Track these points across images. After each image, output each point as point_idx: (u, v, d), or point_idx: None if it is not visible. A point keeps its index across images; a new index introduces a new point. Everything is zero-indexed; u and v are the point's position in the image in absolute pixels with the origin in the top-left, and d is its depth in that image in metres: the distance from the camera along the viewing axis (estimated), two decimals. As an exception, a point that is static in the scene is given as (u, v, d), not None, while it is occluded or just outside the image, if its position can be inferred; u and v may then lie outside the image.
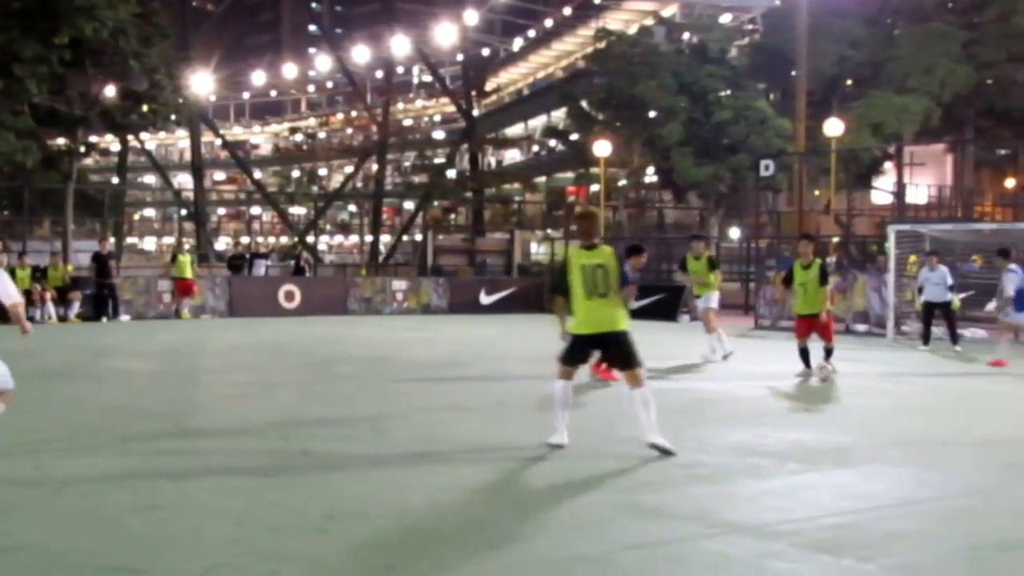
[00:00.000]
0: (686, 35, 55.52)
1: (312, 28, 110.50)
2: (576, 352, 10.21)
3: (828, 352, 15.93)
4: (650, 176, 57.82)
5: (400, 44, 66.54)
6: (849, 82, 51.36)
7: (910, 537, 7.09)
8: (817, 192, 50.77)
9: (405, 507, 7.83)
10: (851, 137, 43.64)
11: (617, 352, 10.18)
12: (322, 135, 73.88)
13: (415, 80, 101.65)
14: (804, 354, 16.08)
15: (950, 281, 21.72)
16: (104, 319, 29.14)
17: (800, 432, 11.23)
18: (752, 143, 47.36)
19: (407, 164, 67.02)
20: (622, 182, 57.90)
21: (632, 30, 59.50)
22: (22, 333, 9.94)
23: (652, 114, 49.89)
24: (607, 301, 10.04)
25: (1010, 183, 56.67)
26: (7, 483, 8.56)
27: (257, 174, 77.22)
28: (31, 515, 7.59)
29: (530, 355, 19.66)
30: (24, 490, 8.34)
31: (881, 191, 54.05)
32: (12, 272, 27.50)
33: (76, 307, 29.43)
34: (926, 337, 22.27)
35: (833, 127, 39.22)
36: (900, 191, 47.61)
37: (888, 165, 52.66)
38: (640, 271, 16.64)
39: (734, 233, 55.76)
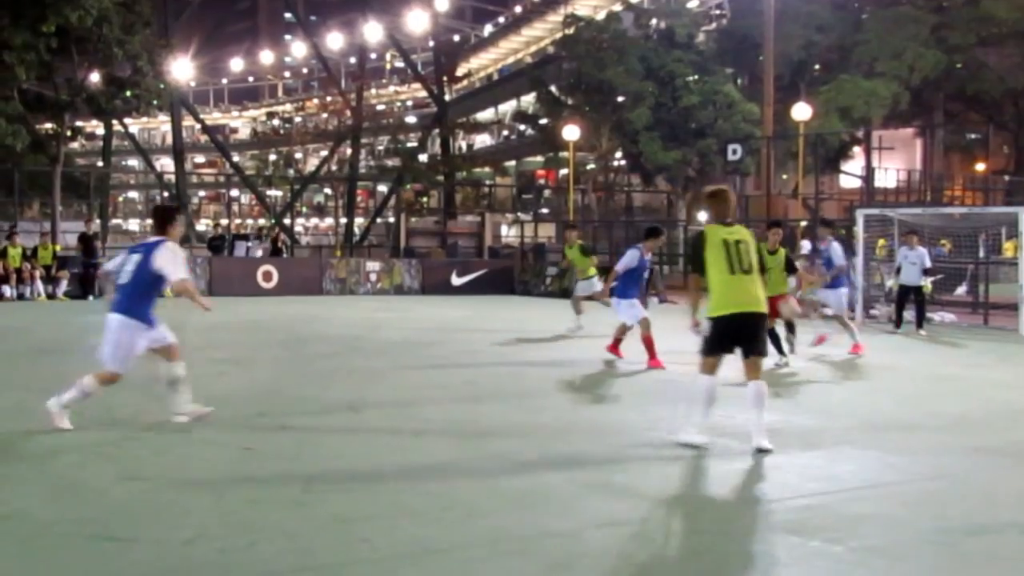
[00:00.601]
0: (654, 21, 55.47)
1: (288, 15, 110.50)
2: (719, 338, 9.24)
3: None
4: (618, 160, 57.89)
5: (373, 31, 66.45)
6: (817, 66, 51.53)
7: (877, 520, 7.12)
8: (785, 176, 50.95)
9: (379, 482, 7.93)
10: (819, 121, 43.73)
11: (754, 335, 9.29)
12: (298, 120, 73.88)
13: (388, 66, 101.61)
14: (772, 336, 16.04)
15: (928, 263, 21.63)
16: (90, 297, 29.72)
17: (768, 414, 11.18)
18: (720, 127, 47.43)
19: (380, 148, 66.92)
20: (590, 166, 57.97)
21: (600, 16, 59.42)
22: (204, 310, 10.07)
23: (620, 99, 49.90)
24: (752, 279, 9.28)
25: (980, 167, 57.01)
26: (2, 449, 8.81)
27: (236, 158, 77.39)
28: (20, 485, 7.72)
29: (500, 335, 19.72)
30: (13, 461, 8.51)
31: (849, 175, 54.25)
32: (3, 251, 28.21)
33: (63, 285, 30.30)
34: (898, 320, 22.26)
35: (801, 111, 39.32)
36: (869, 175, 47.79)
37: (857, 149, 52.84)
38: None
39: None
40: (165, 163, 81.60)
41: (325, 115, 66.74)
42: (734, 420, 10.59)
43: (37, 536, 6.46)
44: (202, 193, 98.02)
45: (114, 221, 71.33)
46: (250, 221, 76.83)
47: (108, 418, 10.17)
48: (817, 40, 48.97)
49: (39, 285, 29.71)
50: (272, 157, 72.87)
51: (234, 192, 76.61)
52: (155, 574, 5.82)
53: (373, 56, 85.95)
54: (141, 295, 9.58)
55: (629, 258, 15.47)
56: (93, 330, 11.36)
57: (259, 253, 37.29)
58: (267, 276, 33.31)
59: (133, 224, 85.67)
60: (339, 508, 7.21)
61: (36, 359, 15.83)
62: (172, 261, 9.49)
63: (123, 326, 9.53)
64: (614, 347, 15.89)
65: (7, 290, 29.12)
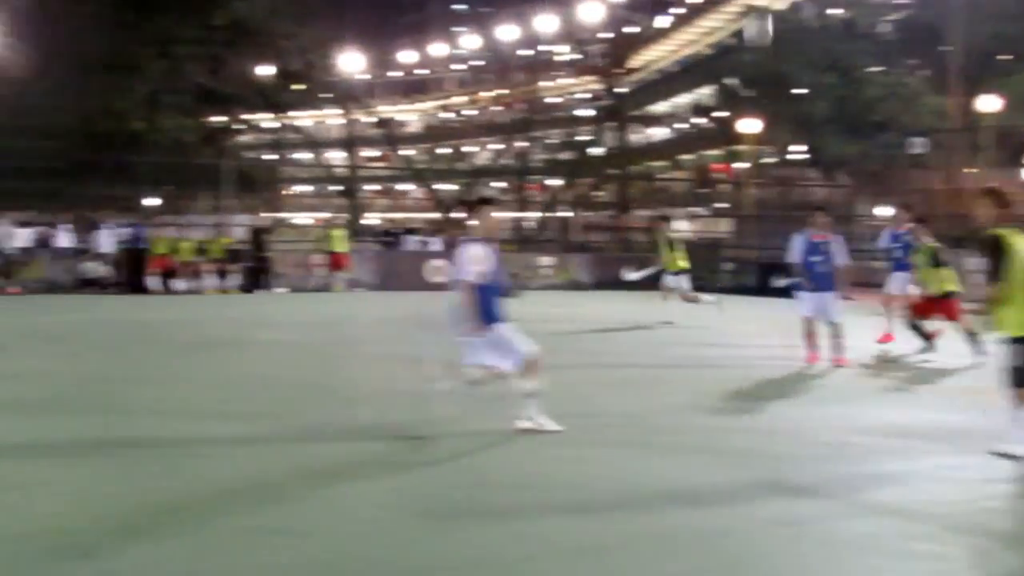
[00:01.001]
0: (835, 10, 54.53)
1: (459, 6, 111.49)
2: None
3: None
4: (797, 154, 57.04)
5: (545, 21, 66.51)
6: (1005, 57, 49.91)
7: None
8: (971, 170, 49.52)
9: (555, 480, 7.93)
10: (1007, 114, 42.42)
11: None
12: (469, 113, 74.32)
13: (560, 57, 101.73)
14: (916, 329, 15.48)
15: None
16: (260, 291, 29.99)
17: (952, 413, 10.91)
18: (903, 120, 46.40)
19: (552, 141, 66.99)
20: (768, 159, 57.23)
21: (778, 6, 58.68)
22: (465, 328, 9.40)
23: (799, 91, 49.20)
24: None
25: None
26: (176, 443, 9.08)
27: (406, 151, 78.21)
28: (188, 479, 7.83)
29: (672, 333, 19.67)
30: (184, 457, 8.64)
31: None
32: (175, 245, 28.71)
33: (233, 279, 30.36)
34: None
35: (987, 104, 38.19)
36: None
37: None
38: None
39: (883, 212, 54.73)
40: (335, 156, 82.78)
41: (497, 108, 67.13)
42: (915, 419, 10.40)
43: (202, 526, 6.60)
44: (372, 187, 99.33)
45: (284, 214, 72.50)
46: (420, 215, 77.59)
47: (284, 413, 10.37)
48: (1005, 30, 47.42)
49: (211, 279, 29.95)
50: (443, 151, 73.46)
51: (404, 186, 77.35)
52: (327, 569, 5.91)
53: (546, 47, 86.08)
54: (479, 299, 9.35)
55: (794, 245, 14.78)
56: (261, 324, 11.62)
57: (437, 247, 37.65)
58: (436, 270, 33.44)
59: (303, 218, 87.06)
60: (507, 503, 7.27)
61: (206, 353, 16.03)
62: (463, 261, 9.28)
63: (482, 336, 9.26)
64: (837, 359, 14.43)
65: (179, 284, 29.52)
